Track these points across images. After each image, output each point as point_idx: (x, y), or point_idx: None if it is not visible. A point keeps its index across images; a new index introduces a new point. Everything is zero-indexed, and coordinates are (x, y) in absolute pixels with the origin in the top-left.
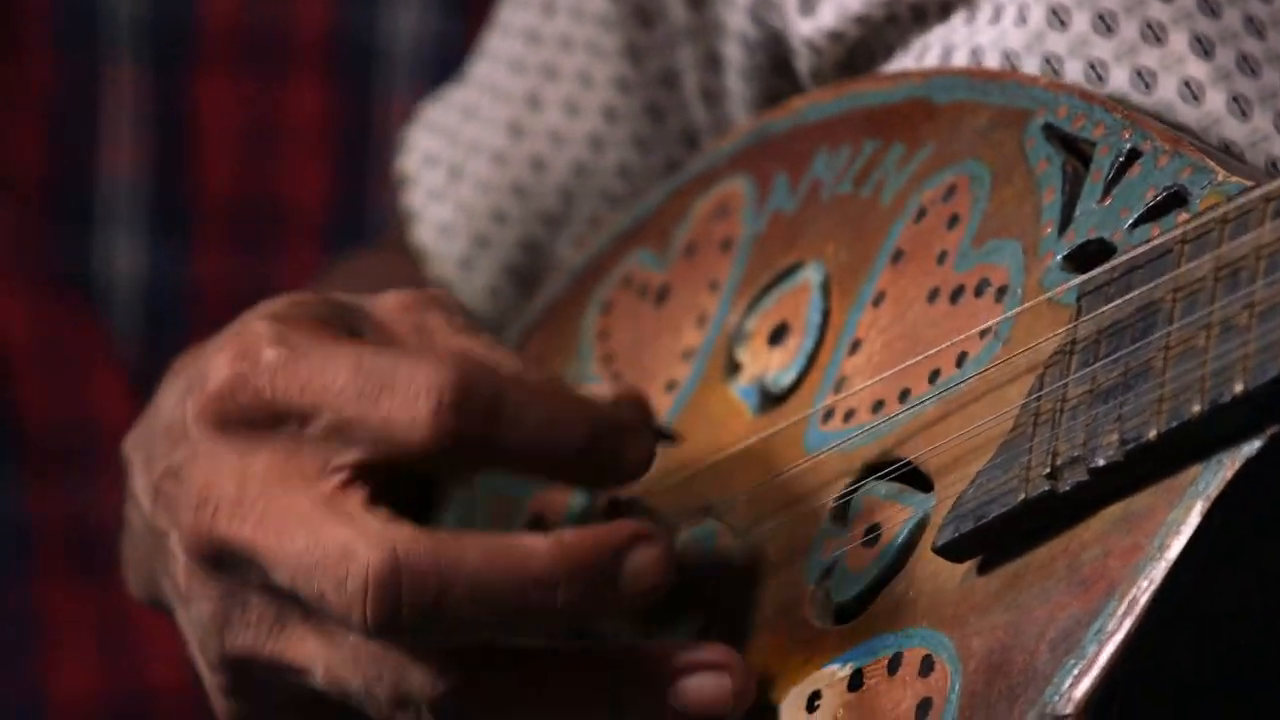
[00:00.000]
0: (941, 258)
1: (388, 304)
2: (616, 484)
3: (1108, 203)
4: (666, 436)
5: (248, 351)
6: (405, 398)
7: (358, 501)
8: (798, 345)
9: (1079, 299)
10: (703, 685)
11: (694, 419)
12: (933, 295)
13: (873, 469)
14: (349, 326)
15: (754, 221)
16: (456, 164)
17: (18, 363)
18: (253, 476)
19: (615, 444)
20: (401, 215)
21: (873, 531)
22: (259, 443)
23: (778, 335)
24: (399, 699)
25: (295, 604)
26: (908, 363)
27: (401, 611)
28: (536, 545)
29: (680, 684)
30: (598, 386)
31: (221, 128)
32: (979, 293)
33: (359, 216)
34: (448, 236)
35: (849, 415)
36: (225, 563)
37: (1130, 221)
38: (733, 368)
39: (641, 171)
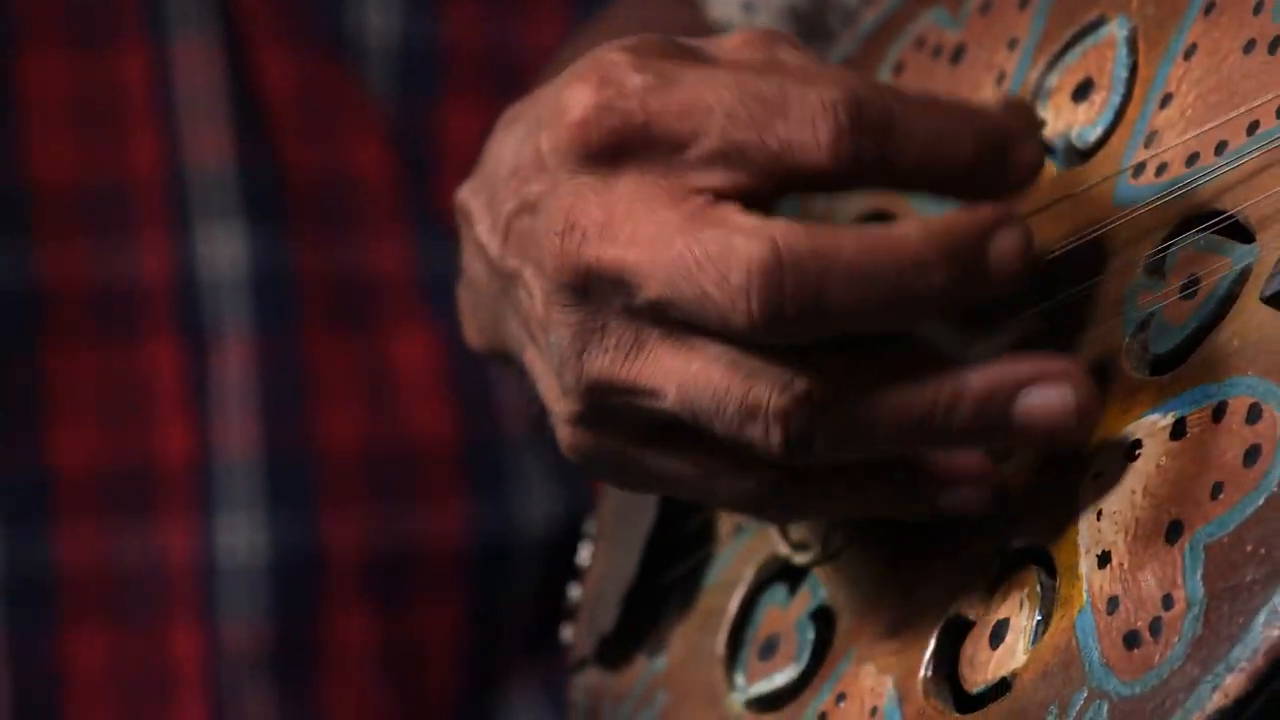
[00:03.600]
0: (1258, 8)
1: (733, 42)
2: (1006, 192)
3: None
4: (1048, 150)
5: (610, 78)
6: (801, 120)
7: (730, 209)
8: (1104, 100)
9: None
10: (1046, 397)
11: None
12: (1249, 46)
13: (1189, 222)
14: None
15: None
16: None
17: (280, 119)
18: (619, 199)
19: (1004, 151)
20: None
21: (1191, 283)
22: (624, 166)
23: (1082, 91)
24: (748, 409)
25: (654, 323)
26: (1225, 117)
27: (785, 301)
28: (908, 229)
29: (1023, 396)
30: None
31: None
32: None
33: None
34: None
35: (1161, 169)
36: (590, 288)
37: None
38: None
39: None
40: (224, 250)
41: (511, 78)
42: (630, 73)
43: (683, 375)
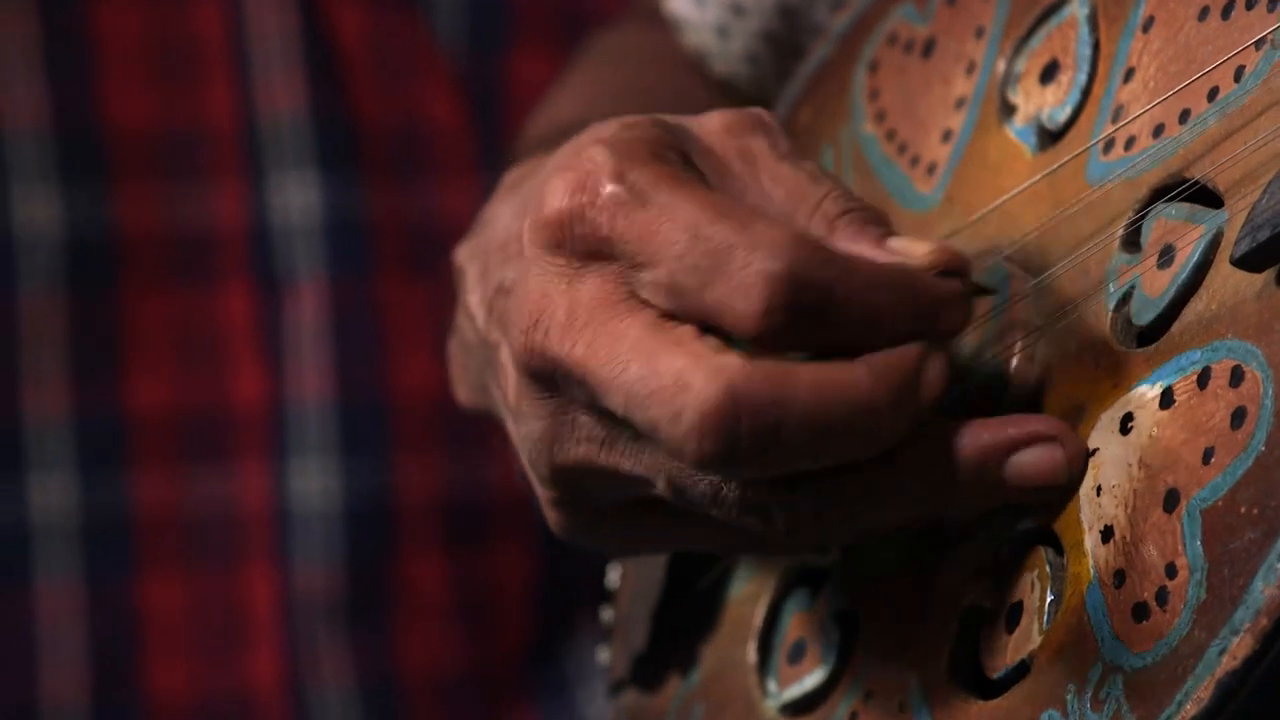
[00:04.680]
0: None
1: (713, 126)
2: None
3: None
4: (986, 291)
5: (586, 184)
6: (738, 287)
7: (688, 330)
8: (1070, 80)
9: None
10: (1036, 459)
11: (974, 164)
12: (1203, 13)
13: (1160, 193)
14: (679, 151)
15: None
16: None
17: (352, 67)
18: (581, 301)
19: (933, 321)
20: None
21: (1167, 253)
22: (588, 270)
23: (1049, 73)
24: (746, 503)
25: (623, 425)
26: (1184, 83)
27: (739, 446)
28: (856, 372)
29: (1014, 460)
30: (915, 246)
31: None
32: (1250, 4)
33: None
34: (701, 6)
35: (1130, 143)
36: (555, 381)
37: None
38: (1007, 110)
39: None
40: (297, 198)
41: (578, 27)
42: (606, 182)
43: (670, 469)
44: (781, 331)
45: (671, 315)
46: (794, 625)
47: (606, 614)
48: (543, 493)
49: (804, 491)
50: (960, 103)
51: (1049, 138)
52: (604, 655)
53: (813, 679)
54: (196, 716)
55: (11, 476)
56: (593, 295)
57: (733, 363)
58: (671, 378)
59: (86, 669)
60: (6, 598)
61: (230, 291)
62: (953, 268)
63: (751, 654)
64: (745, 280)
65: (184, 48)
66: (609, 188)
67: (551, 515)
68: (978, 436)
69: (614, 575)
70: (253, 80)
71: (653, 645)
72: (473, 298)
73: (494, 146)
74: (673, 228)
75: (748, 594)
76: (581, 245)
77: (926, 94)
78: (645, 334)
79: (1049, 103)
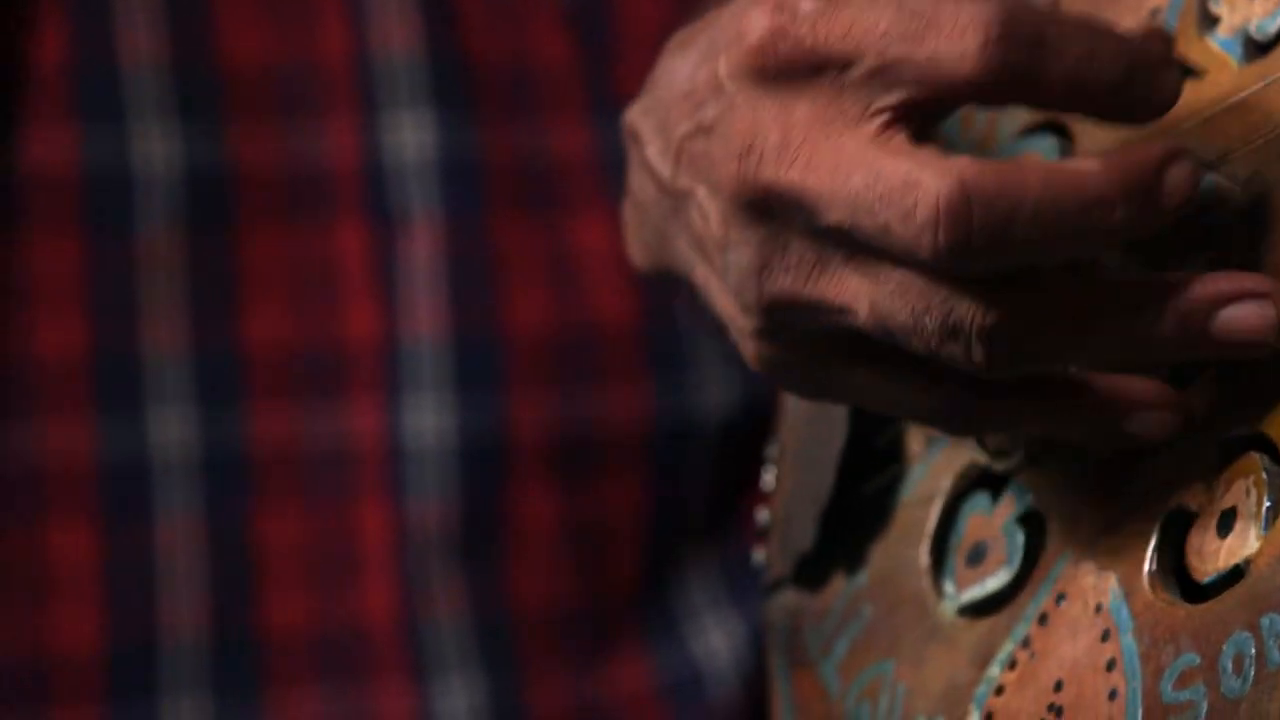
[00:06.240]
0: None
1: None
2: (1146, 118)
3: None
4: (1188, 72)
5: (784, 4)
6: (951, 34)
7: (905, 139)
8: None
9: None
10: (1245, 313)
11: None
12: None
13: None
14: None
15: None
16: None
17: (464, 6)
18: (795, 123)
19: (1148, 77)
20: None
21: None
22: (799, 91)
23: None
24: (948, 328)
25: (838, 246)
26: None
27: (971, 236)
28: (1090, 166)
29: (1222, 311)
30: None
31: None
32: None
33: None
34: None
35: None
36: (768, 208)
37: None
38: (1209, 21)
39: None
40: (411, 136)
41: None
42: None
43: (875, 294)
44: (999, 72)
45: (887, 123)
46: (972, 528)
47: (762, 515)
48: (745, 323)
49: (1004, 318)
50: (1155, 12)
51: (1257, 49)
52: (759, 555)
53: (995, 581)
54: (312, 649)
55: (131, 411)
56: (806, 115)
57: (959, 160)
58: (899, 178)
59: (205, 603)
60: (127, 532)
61: (344, 229)
62: (1162, 39)
63: (924, 556)
64: (958, 25)
65: None
66: (806, 4)
67: (750, 347)
68: (1189, 285)
69: (769, 477)
70: (367, 17)
71: (818, 545)
72: (652, 149)
73: (604, 85)
74: (875, 13)
75: (919, 496)
76: (788, 65)
77: (1115, 4)
78: (864, 147)
79: (1257, 14)
